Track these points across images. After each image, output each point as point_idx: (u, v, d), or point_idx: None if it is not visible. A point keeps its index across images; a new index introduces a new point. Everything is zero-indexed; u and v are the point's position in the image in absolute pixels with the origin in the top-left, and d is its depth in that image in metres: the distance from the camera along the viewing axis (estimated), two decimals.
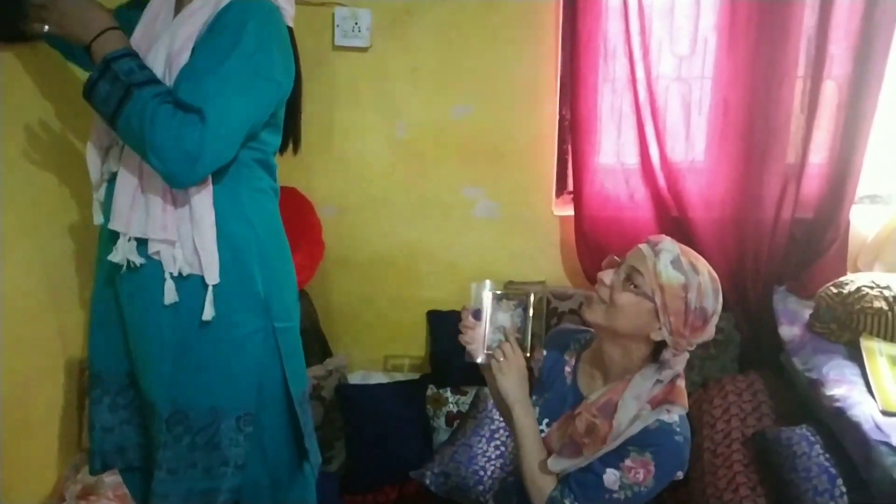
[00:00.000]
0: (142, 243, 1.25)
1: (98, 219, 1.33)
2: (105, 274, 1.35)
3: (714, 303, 1.19)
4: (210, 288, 1.26)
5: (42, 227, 1.65)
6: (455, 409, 2.16)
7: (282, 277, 1.39)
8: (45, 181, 1.67)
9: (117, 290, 1.33)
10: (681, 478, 1.22)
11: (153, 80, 1.19)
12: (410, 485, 2.00)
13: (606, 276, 1.24)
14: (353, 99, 2.18)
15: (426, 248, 2.32)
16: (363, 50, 2.13)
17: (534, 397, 1.40)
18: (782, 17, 1.92)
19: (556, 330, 1.47)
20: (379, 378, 2.31)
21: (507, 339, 1.25)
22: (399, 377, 2.30)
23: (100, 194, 1.32)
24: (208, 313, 1.26)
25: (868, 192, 2.12)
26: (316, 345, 2.26)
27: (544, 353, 1.41)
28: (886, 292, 1.79)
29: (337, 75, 2.15)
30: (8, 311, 1.51)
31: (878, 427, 1.49)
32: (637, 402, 1.19)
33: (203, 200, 1.25)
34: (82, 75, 1.29)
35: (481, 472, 1.89)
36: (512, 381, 1.25)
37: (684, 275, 1.16)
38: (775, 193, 2.05)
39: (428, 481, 1.91)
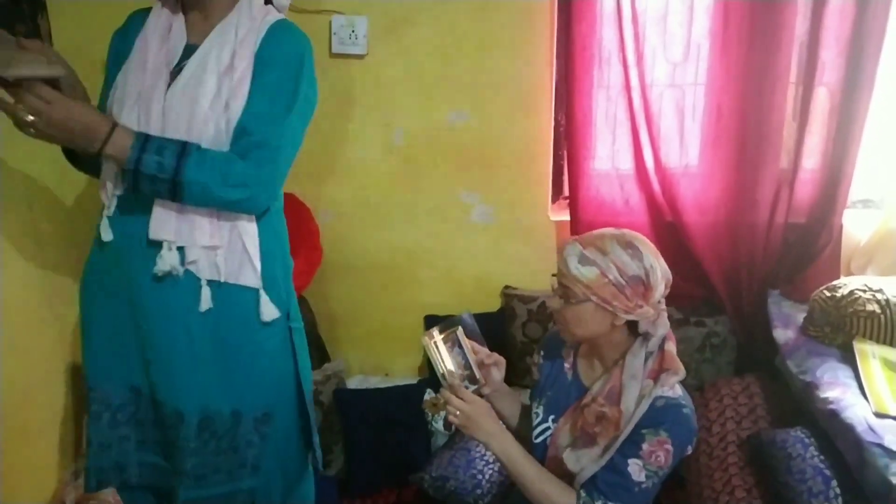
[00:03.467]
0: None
1: (108, 235, 1.31)
2: (111, 287, 1.35)
3: (639, 263, 1.22)
4: (261, 290, 1.33)
5: (42, 234, 1.66)
6: None
7: (292, 281, 1.45)
8: (45, 189, 1.68)
9: (135, 302, 1.32)
10: (690, 452, 1.24)
11: (185, 154, 1.21)
12: (409, 489, 2.01)
13: (552, 301, 1.31)
14: (351, 105, 2.20)
15: (423, 253, 2.33)
16: (360, 57, 2.15)
17: (534, 402, 1.41)
18: (774, 24, 1.94)
19: (548, 335, 1.50)
20: (377, 382, 2.32)
21: (450, 388, 1.28)
22: (397, 381, 2.31)
23: (110, 210, 1.31)
24: (269, 314, 1.33)
25: (860, 197, 2.14)
26: (314, 350, 2.26)
27: (542, 356, 1.44)
28: (879, 295, 1.81)
29: (334, 82, 2.17)
30: (8, 317, 1.52)
31: (871, 429, 1.50)
32: (636, 381, 1.23)
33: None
34: (84, 77, 1.30)
35: (479, 477, 1.90)
36: (475, 425, 1.27)
37: (595, 265, 1.21)
38: (769, 198, 2.07)
39: (426, 485, 1.92)
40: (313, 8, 2.09)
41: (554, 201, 2.30)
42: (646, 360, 1.24)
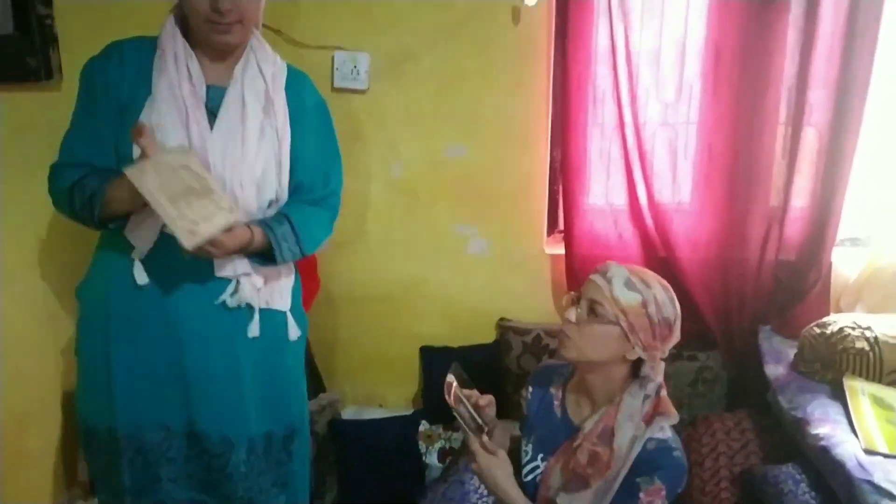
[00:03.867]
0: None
1: (143, 279, 1.34)
2: (146, 328, 1.36)
3: (673, 309, 1.26)
4: (288, 312, 1.43)
5: (45, 263, 1.69)
6: (447, 446, 2.17)
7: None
8: (48, 218, 1.70)
9: (177, 337, 1.36)
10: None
11: (297, 231, 1.40)
12: None
13: (570, 313, 1.30)
14: (351, 138, 2.23)
15: (420, 284, 2.35)
16: (361, 92, 2.19)
17: (525, 434, 1.42)
18: (763, 67, 2.00)
19: (538, 368, 1.51)
20: (372, 413, 2.32)
21: (473, 440, 1.25)
22: (391, 412, 2.32)
23: (142, 253, 1.33)
24: (294, 333, 1.44)
25: (849, 235, 2.18)
26: (310, 380, 2.27)
27: (530, 391, 1.45)
28: (868, 333, 1.84)
29: (335, 116, 2.18)
30: (9, 344, 1.54)
31: (861, 465, 1.51)
32: (632, 423, 1.24)
33: None
34: None
35: None
36: (495, 478, 1.25)
37: (640, 293, 1.23)
38: (759, 235, 2.11)
39: None
40: (317, 44, 2.15)
41: (549, 235, 2.34)
42: (643, 402, 1.25)
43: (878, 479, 1.46)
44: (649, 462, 1.20)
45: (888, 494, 1.43)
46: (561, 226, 2.28)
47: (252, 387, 1.41)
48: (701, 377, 2.16)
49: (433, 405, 2.27)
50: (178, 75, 1.31)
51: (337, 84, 2.18)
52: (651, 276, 1.29)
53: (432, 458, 2.16)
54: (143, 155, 1.19)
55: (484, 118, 2.20)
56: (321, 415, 2.14)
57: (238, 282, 1.35)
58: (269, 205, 1.41)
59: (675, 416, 1.26)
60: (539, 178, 2.25)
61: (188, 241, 1.15)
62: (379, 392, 2.45)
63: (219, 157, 1.31)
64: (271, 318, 1.42)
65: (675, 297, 1.28)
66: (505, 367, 2.27)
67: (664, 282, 1.29)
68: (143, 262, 1.33)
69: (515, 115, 2.19)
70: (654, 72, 2.12)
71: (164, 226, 1.24)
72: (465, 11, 2.11)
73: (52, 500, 1.74)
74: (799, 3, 1.95)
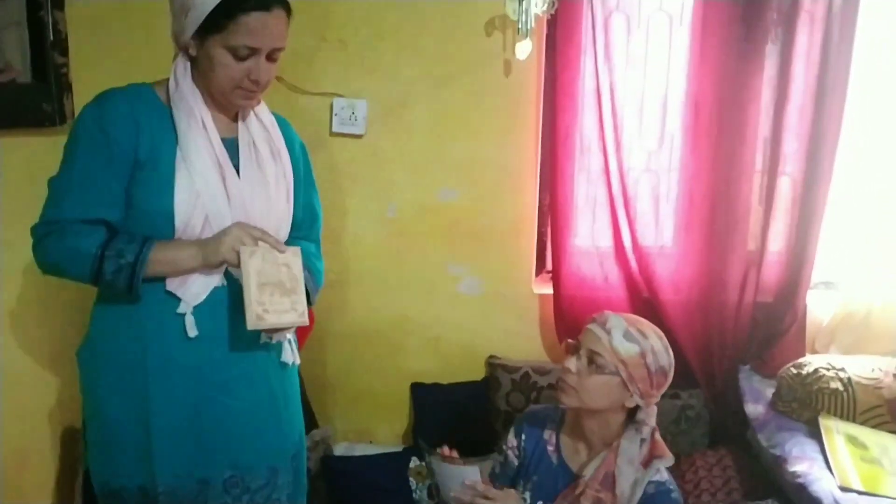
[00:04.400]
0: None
1: (194, 331, 1.33)
2: (192, 380, 1.36)
3: (668, 357, 1.33)
4: (293, 337, 1.49)
5: (47, 302, 1.72)
6: (437, 483, 2.21)
7: None
8: None
9: (226, 382, 1.38)
10: None
11: (311, 268, 1.50)
12: None
13: (570, 363, 1.34)
14: (348, 181, 2.32)
15: (412, 322, 2.41)
16: (359, 137, 2.28)
17: (520, 480, 1.46)
18: (740, 120, 2.11)
19: (527, 413, 1.54)
20: (363, 450, 2.35)
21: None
22: (382, 449, 2.35)
23: (190, 307, 1.34)
24: (297, 358, 1.51)
25: (822, 279, 2.28)
26: (304, 415, 2.30)
27: (523, 439, 1.48)
28: (841, 374, 1.93)
29: (333, 159, 2.29)
30: (12, 379, 1.57)
31: (836, 502, 1.59)
32: (632, 467, 1.28)
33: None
34: None
35: None
36: None
37: (638, 344, 1.29)
38: (738, 278, 2.19)
39: None
40: (317, 90, 2.24)
41: (537, 275, 2.42)
42: (640, 446, 1.31)
43: None
44: None
45: None
46: (549, 266, 2.36)
47: (283, 411, 1.47)
48: (684, 415, 2.23)
49: (424, 442, 2.31)
50: (206, 132, 1.33)
51: (335, 129, 2.26)
52: (647, 325, 1.35)
53: (423, 495, 2.19)
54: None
55: (476, 163, 2.29)
56: (314, 451, 2.17)
57: None
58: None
59: (671, 458, 1.31)
60: (528, 221, 2.34)
61: (251, 323, 1.24)
62: (369, 428, 2.48)
63: (250, 205, 1.36)
64: (284, 345, 1.48)
65: (668, 345, 1.35)
66: (494, 404, 2.32)
67: (659, 331, 1.36)
68: (196, 313, 1.33)
69: (506, 160, 2.28)
70: (637, 122, 2.23)
71: (217, 285, 1.34)
72: (459, 63, 2.21)
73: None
74: (773, 62, 2.08)
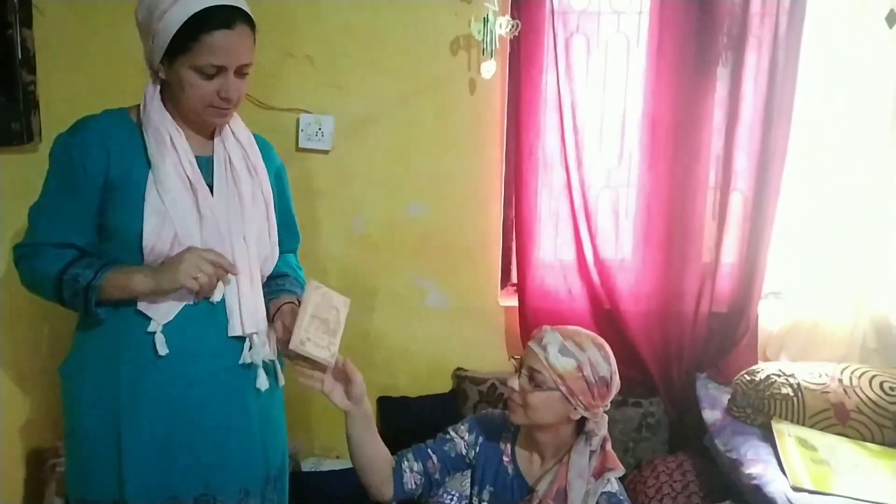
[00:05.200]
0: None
1: (164, 349, 1.35)
2: (165, 397, 1.37)
3: (608, 366, 1.35)
4: (276, 360, 1.51)
5: (13, 325, 1.70)
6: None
7: None
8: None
9: (199, 402, 1.39)
10: None
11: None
12: None
13: (514, 381, 1.38)
14: (315, 196, 2.33)
15: (379, 335, 2.43)
16: (325, 152, 2.30)
17: (475, 489, 1.49)
18: (694, 139, 2.20)
19: (482, 416, 1.56)
20: (331, 465, 2.36)
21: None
22: (350, 464, 2.36)
23: (160, 326, 1.35)
24: (282, 379, 1.53)
25: (772, 290, 2.39)
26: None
27: (479, 441, 1.49)
28: (792, 380, 2.02)
29: (300, 175, 2.29)
30: None
31: (790, 502, 1.67)
32: (582, 480, 1.31)
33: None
34: None
35: None
36: None
37: (574, 358, 1.32)
38: (694, 290, 2.28)
39: None
40: (283, 106, 2.26)
41: (503, 288, 2.47)
42: (590, 458, 1.33)
43: None
44: None
45: None
46: (514, 279, 2.42)
47: (258, 435, 1.47)
48: (645, 422, 2.31)
49: (391, 454, 2.32)
50: (176, 152, 1.35)
51: (302, 144, 2.28)
52: (585, 337, 1.37)
53: None
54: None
55: (442, 179, 2.33)
56: None
57: (251, 340, 1.41)
58: (265, 261, 1.48)
59: (621, 469, 1.35)
60: (493, 235, 2.39)
61: (293, 344, 1.31)
62: (336, 444, 2.48)
63: (224, 222, 1.37)
64: (267, 368, 1.48)
65: (609, 353, 1.36)
66: (462, 415, 2.35)
67: (599, 340, 1.38)
68: (166, 331, 1.35)
69: (471, 176, 2.33)
70: (597, 140, 2.31)
71: (188, 303, 1.37)
72: (425, 80, 2.26)
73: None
74: (724, 84, 2.19)
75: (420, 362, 2.45)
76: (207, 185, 1.38)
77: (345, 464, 2.34)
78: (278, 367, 1.51)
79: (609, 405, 1.38)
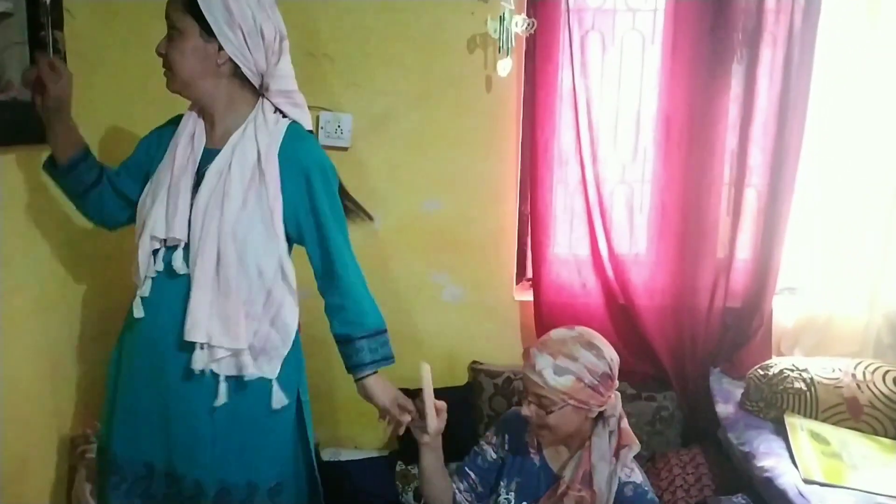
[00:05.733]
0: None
1: (139, 313, 1.42)
2: (140, 364, 1.44)
3: (605, 361, 1.36)
4: (274, 381, 1.44)
5: (48, 311, 1.76)
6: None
7: (301, 356, 1.59)
8: (51, 267, 1.78)
9: (162, 383, 1.42)
10: None
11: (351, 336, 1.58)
12: None
13: (525, 410, 1.41)
14: None
15: (395, 329, 2.42)
16: (344, 150, 2.34)
17: (503, 482, 1.53)
18: (709, 135, 2.22)
19: (510, 414, 1.60)
20: (349, 455, 2.41)
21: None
22: (369, 454, 2.41)
23: (145, 289, 1.42)
24: (279, 402, 1.44)
25: (787, 285, 2.40)
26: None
27: (505, 440, 1.56)
28: (805, 374, 2.04)
29: None
30: (11, 389, 1.60)
31: (801, 494, 1.69)
32: (605, 462, 1.35)
33: (293, 311, 1.49)
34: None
35: None
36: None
37: (571, 373, 1.34)
38: (708, 284, 2.29)
39: None
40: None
41: (518, 283, 2.50)
42: (609, 439, 1.37)
43: None
44: None
45: None
46: (529, 274, 2.45)
47: (230, 438, 1.43)
48: (658, 416, 2.33)
49: (409, 446, 2.36)
50: (182, 136, 1.44)
51: (322, 142, 2.31)
52: (573, 343, 1.37)
53: (409, 497, 2.26)
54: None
55: (458, 175, 2.37)
56: None
57: (202, 347, 1.39)
58: (272, 276, 1.45)
59: (637, 445, 1.38)
60: (509, 231, 2.42)
61: (434, 430, 1.49)
62: (354, 434, 2.53)
63: (199, 217, 1.39)
64: (254, 385, 1.44)
65: (602, 346, 1.37)
66: (477, 408, 2.40)
67: (586, 337, 1.38)
68: (143, 298, 1.42)
69: (487, 172, 2.36)
70: (612, 136, 2.33)
71: (159, 270, 1.43)
72: (442, 79, 2.30)
73: None
74: (738, 81, 2.20)
75: (436, 356, 2.47)
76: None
77: (363, 454, 2.39)
78: (275, 386, 1.45)
79: (618, 384, 1.41)
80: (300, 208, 1.47)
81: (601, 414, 1.41)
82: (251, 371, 1.42)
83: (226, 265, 1.38)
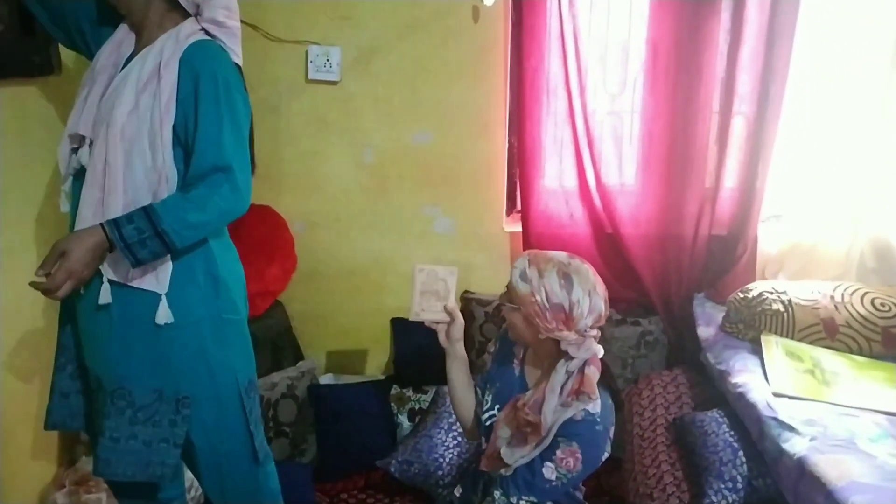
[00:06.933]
0: None
1: (65, 207, 1.49)
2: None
3: (566, 295, 1.35)
4: (163, 296, 1.43)
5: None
6: (417, 406, 2.38)
7: (228, 277, 1.53)
8: (45, 205, 1.83)
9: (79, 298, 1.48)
10: (605, 458, 1.42)
11: (151, 210, 1.37)
12: (377, 473, 2.21)
13: (501, 297, 1.49)
14: (325, 127, 2.41)
15: (389, 261, 2.54)
16: (334, 83, 2.37)
17: (488, 385, 1.60)
18: (696, 63, 2.21)
19: (504, 329, 1.69)
20: (347, 379, 2.52)
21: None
22: (365, 378, 2.52)
23: (66, 186, 1.49)
24: (163, 318, 1.43)
25: (772, 213, 2.43)
26: (289, 349, 2.46)
27: (497, 348, 1.63)
28: (783, 297, 2.10)
29: (310, 106, 2.38)
30: (9, 337, 1.66)
31: (769, 406, 1.77)
32: (554, 395, 1.37)
33: None
34: None
35: (440, 460, 2.12)
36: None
37: (529, 284, 1.37)
38: (694, 213, 2.33)
39: (393, 469, 2.13)
40: (292, 38, 2.32)
41: (508, 214, 2.55)
42: (567, 378, 1.38)
43: (783, 416, 1.72)
44: (573, 428, 1.37)
45: (789, 428, 1.69)
46: (519, 206, 2.49)
47: (127, 339, 1.45)
48: (643, 340, 2.41)
49: (403, 371, 2.47)
50: (109, 44, 1.47)
51: (311, 76, 2.35)
52: (554, 264, 1.38)
53: (403, 418, 2.37)
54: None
55: (447, 107, 2.39)
56: (300, 380, 2.33)
57: None
58: (156, 181, 1.42)
59: (594, 400, 1.37)
60: (498, 163, 2.46)
61: (412, 316, 1.60)
62: (353, 361, 2.63)
63: (99, 116, 1.42)
64: (137, 296, 1.43)
65: (575, 282, 1.36)
66: (469, 335, 2.47)
67: (569, 270, 1.37)
68: (66, 194, 1.51)
69: (476, 104, 2.39)
70: (600, 66, 2.33)
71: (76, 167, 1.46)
72: (429, 10, 2.30)
73: (58, 456, 1.92)
74: (727, 6, 2.18)
75: None
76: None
77: (358, 378, 2.50)
78: (164, 302, 1.44)
79: (590, 330, 1.39)
80: (188, 114, 1.42)
81: (567, 352, 1.41)
82: (136, 282, 1.42)
83: (113, 164, 1.39)
